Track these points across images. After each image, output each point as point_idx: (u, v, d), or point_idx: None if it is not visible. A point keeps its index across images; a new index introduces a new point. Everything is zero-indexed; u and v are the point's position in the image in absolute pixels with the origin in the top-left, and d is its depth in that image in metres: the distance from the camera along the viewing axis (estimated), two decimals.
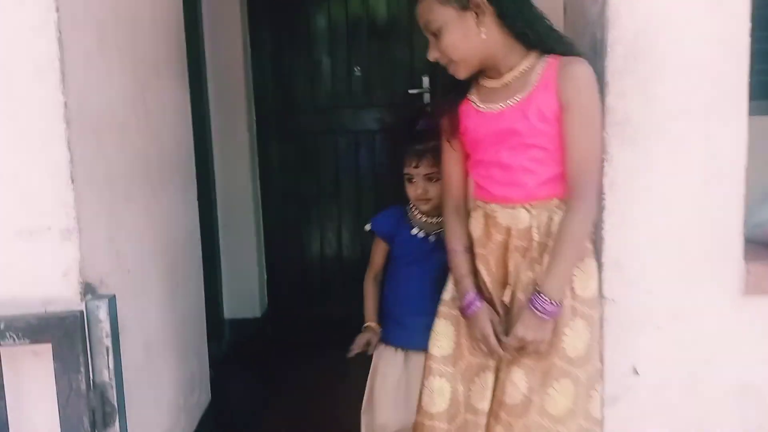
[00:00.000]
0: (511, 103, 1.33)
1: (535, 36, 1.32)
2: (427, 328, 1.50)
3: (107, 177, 1.36)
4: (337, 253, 3.40)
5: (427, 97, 3.19)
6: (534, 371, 1.34)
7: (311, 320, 3.30)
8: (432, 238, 1.70)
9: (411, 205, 1.74)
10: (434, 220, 1.70)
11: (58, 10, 1.16)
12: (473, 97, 1.40)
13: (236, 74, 3.12)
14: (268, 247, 3.36)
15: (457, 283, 1.44)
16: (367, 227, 1.81)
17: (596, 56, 1.33)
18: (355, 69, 3.25)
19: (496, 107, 1.35)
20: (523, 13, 1.31)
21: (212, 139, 3.09)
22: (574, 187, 1.30)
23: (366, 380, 1.79)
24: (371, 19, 3.21)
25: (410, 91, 3.19)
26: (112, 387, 1.23)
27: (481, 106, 1.37)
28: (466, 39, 1.30)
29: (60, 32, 1.16)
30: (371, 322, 1.80)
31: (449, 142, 1.45)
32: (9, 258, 1.20)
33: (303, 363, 2.90)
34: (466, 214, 1.47)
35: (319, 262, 3.40)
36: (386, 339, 1.76)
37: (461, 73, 1.36)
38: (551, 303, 1.28)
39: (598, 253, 1.36)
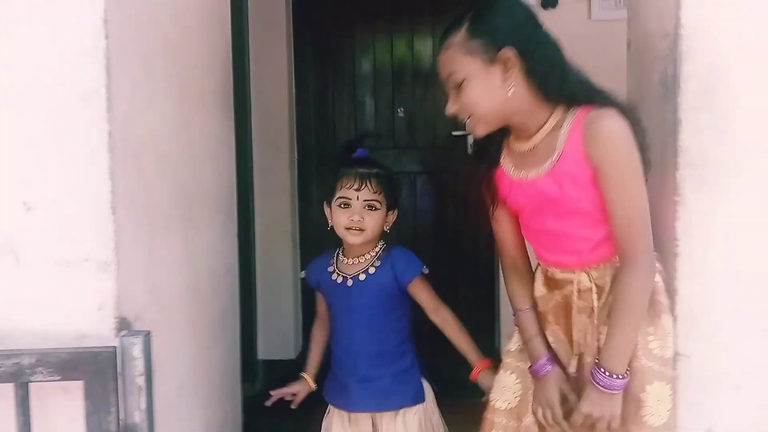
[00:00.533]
0: (542, 173, 1.24)
1: (567, 94, 1.22)
2: (368, 390, 1.49)
3: (147, 208, 1.32)
4: None
5: (470, 139, 3.14)
6: None
7: None
8: (350, 282, 1.55)
9: (339, 249, 1.62)
10: (353, 260, 1.57)
11: (107, 37, 1.14)
12: (506, 162, 1.32)
13: (280, 112, 3.13)
14: (305, 287, 3.30)
15: (526, 344, 1.35)
16: (302, 274, 1.69)
17: (667, 93, 1.25)
18: (399, 110, 3.24)
19: (529, 176, 1.26)
20: (554, 70, 1.22)
21: (254, 175, 3.08)
22: (624, 251, 1.20)
23: None
24: (416, 61, 3.21)
25: (454, 133, 3.16)
26: (143, 429, 1.16)
27: (514, 174, 1.29)
28: (489, 94, 1.21)
29: (108, 59, 1.14)
30: (305, 374, 1.70)
31: (490, 208, 1.36)
32: (44, 289, 1.16)
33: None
34: (528, 272, 1.39)
35: None
36: (327, 397, 1.66)
37: (479, 131, 1.27)
38: (613, 377, 1.18)
39: (671, 306, 1.26)
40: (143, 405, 1.16)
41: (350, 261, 1.56)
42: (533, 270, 1.40)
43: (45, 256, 1.15)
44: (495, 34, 1.20)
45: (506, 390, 1.40)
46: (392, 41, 3.22)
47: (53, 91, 1.13)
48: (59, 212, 1.15)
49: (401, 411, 1.61)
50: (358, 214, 1.50)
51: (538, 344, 1.33)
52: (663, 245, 1.28)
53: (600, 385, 1.19)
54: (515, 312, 1.39)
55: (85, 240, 1.15)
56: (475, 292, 3.16)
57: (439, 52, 1.27)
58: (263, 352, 3.15)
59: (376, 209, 1.50)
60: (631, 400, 1.22)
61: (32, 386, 1.14)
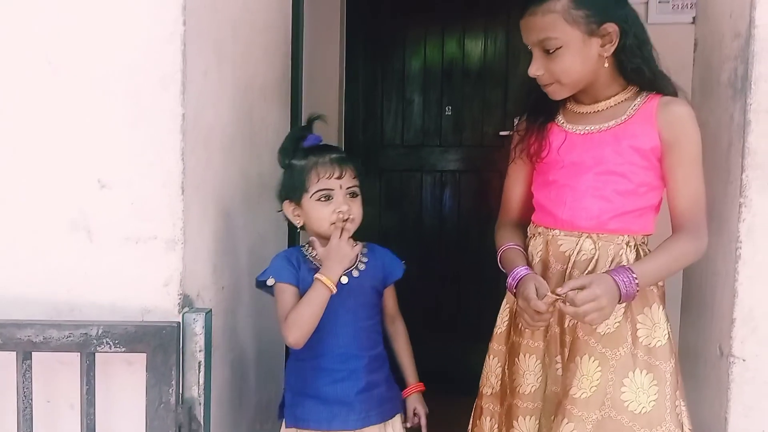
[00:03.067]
0: (603, 128, 1.29)
1: (649, 74, 1.28)
2: (372, 401, 1.34)
3: (213, 191, 1.36)
4: (413, 293, 3.32)
5: None
6: (584, 424, 1.22)
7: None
8: (345, 279, 1.35)
9: (305, 245, 1.40)
10: None
11: (185, 23, 1.18)
12: (560, 117, 1.37)
13: (330, 107, 3.15)
14: None
15: (508, 267, 1.35)
16: (270, 281, 1.35)
17: (735, 93, 1.24)
18: (446, 108, 3.24)
19: (586, 129, 1.31)
20: (642, 51, 1.28)
21: None
22: (688, 223, 1.25)
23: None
24: (466, 60, 3.21)
25: (501, 133, 3.15)
26: (200, 404, 1.20)
27: (568, 126, 1.34)
28: (584, 64, 1.26)
29: (185, 45, 1.18)
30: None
31: (532, 161, 1.38)
32: (114, 264, 1.21)
33: None
34: (523, 235, 1.42)
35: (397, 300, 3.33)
36: (298, 421, 1.36)
37: (561, 95, 1.32)
38: (635, 283, 1.17)
39: (729, 308, 1.24)
40: (202, 380, 1.20)
41: None
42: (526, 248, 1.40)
43: (116, 233, 1.20)
44: (601, 8, 1.24)
45: (490, 375, 1.45)
46: (443, 39, 3.22)
47: (132, 74, 1.18)
48: (131, 191, 1.20)
49: (392, 419, 1.45)
50: (344, 204, 1.32)
51: (518, 261, 1.33)
52: (724, 246, 1.27)
53: (619, 279, 1.17)
54: (502, 251, 1.38)
55: (155, 218, 1.20)
56: None
57: (527, 14, 1.27)
58: None
59: (357, 196, 1.36)
60: (609, 384, 1.22)
61: (97, 357, 1.19)
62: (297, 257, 1.37)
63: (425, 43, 3.24)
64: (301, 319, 1.29)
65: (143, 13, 1.17)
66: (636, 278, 1.18)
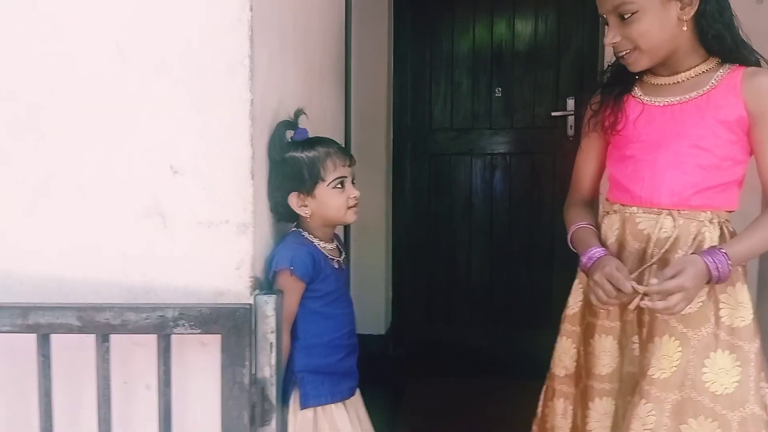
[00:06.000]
0: (685, 100, 1.24)
1: (730, 41, 1.23)
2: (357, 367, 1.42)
3: None
4: (465, 277, 3.32)
5: (571, 120, 3.07)
6: (662, 404, 1.20)
7: (433, 342, 3.24)
8: (344, 265, 1.45)
9: (298, 230, 1.39)
10: (328, 244, 1.42)
11: (251, 9, 1.19)
12: (636, 90, 1.33)
13: (379, 90, 3.16)
14: (396, 264, 3.34)
15: (580, 248, 1.32)
16: (290, 269, 1.32)
17: None
18: (496, 90, 3.20)
19: (666, 101, 1.27)
20: (723, 16, 1.23)
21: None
22: None
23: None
24: (516, 41, 3.16)
25: (553, 114, 3.10)
26: (272, 384, 1.22)
27: (646, 98, 1.30)
28: (663, 29, 1.22)
29: (252, 31, 1.19)
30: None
31: (607, 134, 1.35)
32: (187, 248, 1.24)
33: (426, 386, 2.84)
34: (593, 213, 1.39)
35: (446, 284, 3.34)
36: (319, 398, 1.39)
37: (642, 64, 1.27)
38: (728, 265, 1.14)
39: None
40: (273, 361, 1.22)
41: (329, 245, 1.42)
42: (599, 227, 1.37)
43: (189, 218, 1.23)
44: None
45: (564, 355, 1.42)
46: (492, 21, 3.18)
47: (200, 60, 1.20)
48: (203, 177, 1.22)
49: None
50: (356, 190, 1.39)
51: (593, 241, 1.30)
52: None
53: (711, 261, 1.14)
54: (574, 230, 1.36)
55: (226, 203, 1.22)
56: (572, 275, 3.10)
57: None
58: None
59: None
60: (690, 364, 1.20)
61: (173, 339, 1.22)
62: (309, 249, 1.37)
63: (474, 25, 3.20)
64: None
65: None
66: (730, 261, 1.15)
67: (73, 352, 1.23)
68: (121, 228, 1.24)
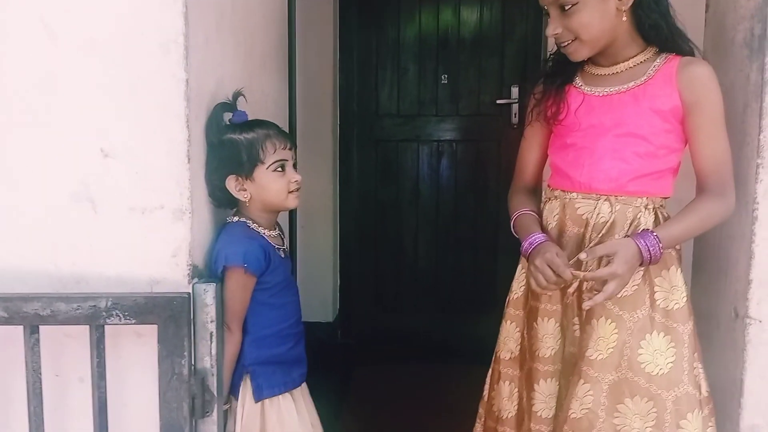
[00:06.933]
0: (623, 89, 1.28)
1: (666, 31, 1.26)
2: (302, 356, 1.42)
3: None
4: (412, 264, 3.33)
5: (515, 108, 3.10)
6: (600, 385, 1.24)
7: (381, 330, 3.24)
8: (287, 253, 1.42)
9: (243, 220, 1.34)
10: (272, 231, 1.37)
11: None
12: (578, 80, 1.36)
13: (325, 76, 3.12)
14: (343, 251, 3.33)
15: (521, 233, 1.35)
16: (244, 266, 1.28)
17: (752, 53, 1.23)
18: (442, 77, 3.21)
19: (605, 91, 1.30)
20: (659, 6, 1.26)
21: (296, 140, 3.09)
22: (714, 184, 1.24)
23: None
24: (462, 28, 3.17)
25: (498, 101, 3.12)
26: (213, 374, 1.19)
27: (586, 88, 1.33)
28: (603, 20, 1.25)
29: (186, 8, 1.14)
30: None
31: (549, 123, 1.38)
32: (119, 235, 1.19)
33: (374, 373, 2.84)
34: (537, 201, 1.42)
35: (393, 271, 3.34)
36: (272, 389, 1.37)
37: (582, 54, 1.30)
38: (659, 247, 1.18)
39: (745, 269, 1.24)
40: (214, 351, 1.19)
41: (272, 233, 1.37)
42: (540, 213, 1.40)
43: (121, 203, 1.18)
44: None
45: (508, 339, 1.45)
46: (438, 8, 3.17)
47: (132, 40, 1.14)
48: (135, 160, 1.17)
49: None
50: (297, 174, 1.34)
51: (534, 227, 1.33)
52: (740, 208, 1.27)
53: (643, 243, 1.18)
54: (516, 217, 1.39)
55: (161, 188, 1.17)
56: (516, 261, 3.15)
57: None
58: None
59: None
60: (626, 345, 1.23)
61: (106, 330, 1.17)
62: (256, 239, 1.32)
63: (420, 12, 3.19)
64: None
65: None
66: (661, 243, 1.18)
67: (0, 344, 1.17)
68: (49, 215, 1.18)
